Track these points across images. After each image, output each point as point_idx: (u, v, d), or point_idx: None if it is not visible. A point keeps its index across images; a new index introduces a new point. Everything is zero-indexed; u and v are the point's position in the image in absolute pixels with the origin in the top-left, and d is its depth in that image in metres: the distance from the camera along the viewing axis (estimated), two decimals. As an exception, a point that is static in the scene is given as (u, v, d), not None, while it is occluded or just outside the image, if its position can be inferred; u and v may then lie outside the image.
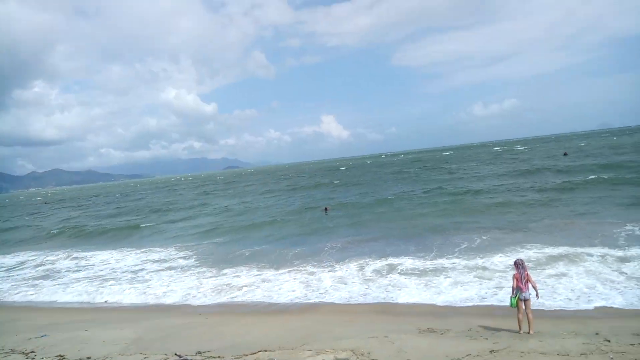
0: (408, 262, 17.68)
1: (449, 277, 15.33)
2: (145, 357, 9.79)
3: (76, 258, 27.79)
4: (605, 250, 16.16)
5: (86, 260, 26.84)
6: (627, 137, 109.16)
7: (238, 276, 18.90)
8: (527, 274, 10.17)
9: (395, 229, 25.10)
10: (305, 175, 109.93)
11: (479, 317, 11.71)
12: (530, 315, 10.08)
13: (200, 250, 26.18)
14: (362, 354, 8.86)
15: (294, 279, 17.47)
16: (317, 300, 14.88)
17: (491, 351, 8.62)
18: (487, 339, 9.62)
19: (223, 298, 16.32)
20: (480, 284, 14.31)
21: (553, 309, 11.94)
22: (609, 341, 8.86)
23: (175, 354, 9.77)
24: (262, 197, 57.38)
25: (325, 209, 36.48)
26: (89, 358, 10.08)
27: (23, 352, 10.88)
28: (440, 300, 13.45)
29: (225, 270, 20.18)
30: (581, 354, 8.13)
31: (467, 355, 8.49)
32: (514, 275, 10.32)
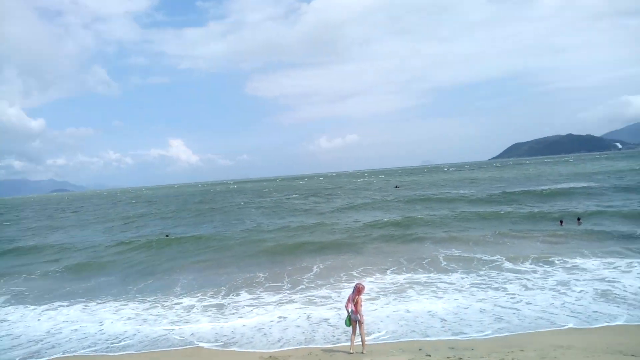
0: (252, 296, 17.32)
1: (299, 306, 15.38)
2: None
3: None
4: (435, 276, 18.02)
5: None
6: (456, 173, 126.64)
7: (67, 315, 16.34)
8: (359, 299, 10.44)
9: (249, 263, 23.64)
10: (146, 201, 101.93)
11: (321, 342, 11.92)
12: (363, 336, 10.41)
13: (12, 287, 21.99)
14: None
15: (128, 317, 15.67)
16: (156, 339, 13.40)
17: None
18: (324, 360, 9.59)
19: (41, 343, 13.55)
20: (329, 310, 14.63)
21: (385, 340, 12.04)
22: (429, 355, 9.60)
23: None
24: (92, 227, 50.10)
25: (167, 235, 34.20)
26: None
27: None
28: (286, 329, 13.29)
29: (51, 305, 17.46)
30: (407, 369, 8.56)
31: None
32: (349, 296, 10.57)
